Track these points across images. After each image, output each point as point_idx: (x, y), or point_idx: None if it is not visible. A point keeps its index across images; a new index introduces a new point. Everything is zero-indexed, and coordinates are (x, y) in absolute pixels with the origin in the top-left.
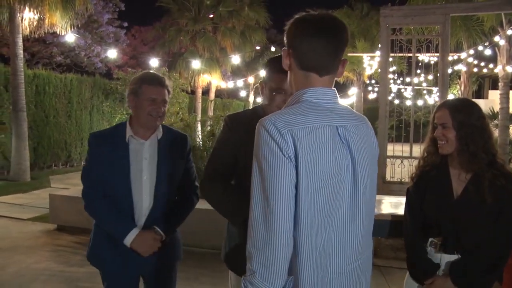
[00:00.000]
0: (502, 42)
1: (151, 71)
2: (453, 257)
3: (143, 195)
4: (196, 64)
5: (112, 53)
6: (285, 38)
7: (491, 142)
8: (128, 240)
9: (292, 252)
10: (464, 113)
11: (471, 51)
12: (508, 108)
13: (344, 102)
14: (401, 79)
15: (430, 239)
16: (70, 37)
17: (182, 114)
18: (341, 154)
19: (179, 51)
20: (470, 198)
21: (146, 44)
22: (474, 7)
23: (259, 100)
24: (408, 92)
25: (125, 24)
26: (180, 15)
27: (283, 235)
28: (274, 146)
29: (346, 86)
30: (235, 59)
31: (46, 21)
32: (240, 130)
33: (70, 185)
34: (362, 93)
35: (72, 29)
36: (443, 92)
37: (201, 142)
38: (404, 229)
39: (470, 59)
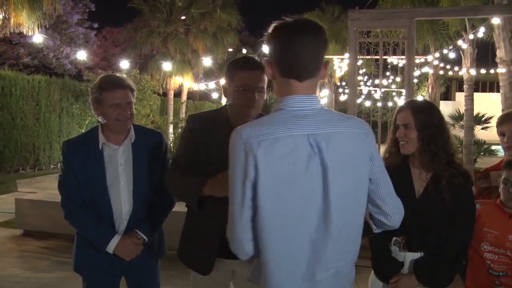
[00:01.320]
0: (465, 46)
1: (109, 74)
2: (417, 255)
3: (122, 201)
4: (167, 66)
5: (81, 55)
6: (266, 48)
7: (450, 142)
8: (110, 247)
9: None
10: (426, 114)
11: (437, 54)
12: (472, 109)
13: None
14: (370, 81)
15: (393, 238)
16: (38, 38)
17: (152, 117)
18: (309, 162)
19: (150, 53)
20: (431, 197)
21: (118, 45)
22: (439, 11)
23: None
24: (378, 94)
25: (96, 25)
26: (152, 17)
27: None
28: (240, 153)
29: (318, 88)
30: (207, 61)
31: (12, 20)
32: (201, 130)
33: (38, 188)
34: (334, 95)
35: (40, 29)
36: (409, 94)
37: (172, 144)
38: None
39: (436, 62)
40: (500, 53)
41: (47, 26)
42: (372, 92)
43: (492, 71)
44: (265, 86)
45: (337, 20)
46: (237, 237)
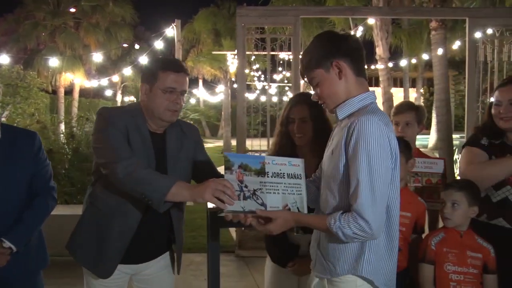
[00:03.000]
0: None
1: None
2: (310, 236)
3: None
4: (54, 62)
5: None
6: (322, 54)
7: None
8: None
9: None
10: (317, 107)
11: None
12: None
13: (212, 99)
14: (263, 76)
15: None
16: None
17: (38, 116)
18: None
19: (37, 47)
20: None
21: None
22: (321, 10)
23: (128, 99)
24: (272, 90)
25: None
26: (37, 8)
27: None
28: (385, 139)
29: (214, 84)
30: (99, 57)
31: None
32: (121, 126)
33: None
34: (230, 90)
35: None
36: (295, 89)
37: (62, 145)
38: None
39: None
40: (379, 51)
41: None
42: (266, 87)
43: (373, 67)
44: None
45: (232, 17)
46: (381, 217)
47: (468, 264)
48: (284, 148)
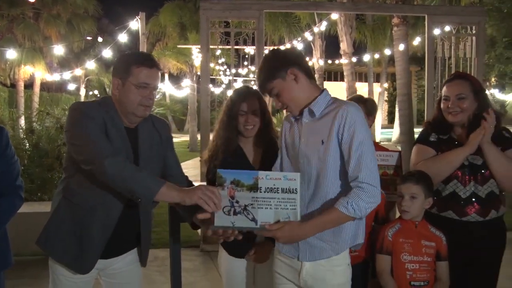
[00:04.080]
0: (310, 38)
1: None
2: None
3: None
4: (12, 54)
5: None
6: (276, 66)
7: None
8: None
9: None
10: (263, 100)
11: (288, 45)
12: None
13: (178, 94)
14: (229, 70)
15: None
16: None
17: None
18: None
19: None
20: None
21: None
22: (285, 5)
23: (91, 94)
24: (238, 84)
25: None
26: None
27: None
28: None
29: (180, 78)
30: (61, 50)
31: None
32: (99, 121)
33: None
34: (195, 85)
35: None
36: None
37: (21, 140)
38: None
39: None
40: (343, 46)
41: None
42: (232, 82)
43: (337, 61)
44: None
45: (198, 10)
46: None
47: (423, 253)
48: (230, 141)
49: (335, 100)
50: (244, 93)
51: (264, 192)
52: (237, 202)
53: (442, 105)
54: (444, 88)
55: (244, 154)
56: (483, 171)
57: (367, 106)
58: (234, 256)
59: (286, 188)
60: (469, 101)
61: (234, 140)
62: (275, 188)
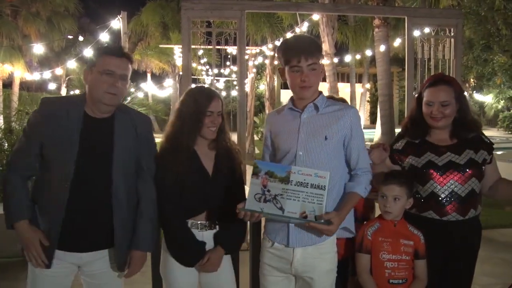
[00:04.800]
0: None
1: None
2: (214, 230)
3: None
4: None
5: None
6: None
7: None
8: None
9: None
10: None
11: (270, 45)
12: None
13: (161, 93)
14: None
15: (190, 221)
16: None
17: None
18: None
19: None
20: (220, 174)
21: None
22: (267, 5)
23: (72, 93)
24: (221, 84)
25: None
26: None
27: None
28: None
29: (162, 78)
30: (40, 49)
31: None
32: (52, 116)
33: None
34: (178, 84)
35: None
36: (241, 84)
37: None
38: (163, 216)
39: (272, 53)
40: (325, 46)
41: None
42: (214, 81)
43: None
44: (129, 76)
45: (180, 10)
46: None
47: (401, 252)
48: (188, 143)
49: (331, 100)
50: (210, 94)
51: (295, 185)
52: (268, 191)
53: (424, 109)
54: (427, 92)
55: (198, 157)
56: (467, 170)
57: None
58: (184, 265)
59: (315, 184)
60: (452, 106)
61: (193, 142)
62: (305, 182)
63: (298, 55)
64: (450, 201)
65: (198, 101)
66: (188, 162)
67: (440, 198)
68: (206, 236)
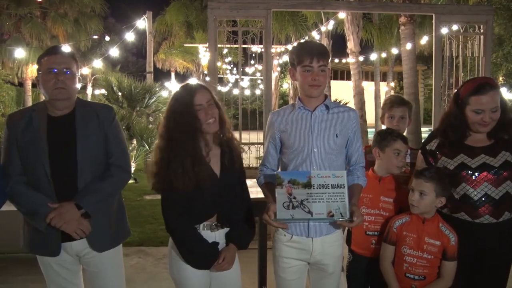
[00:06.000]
0: (317, 37)
1: None
2: (226, 229)
3: None
4: (20, 53)
5: None
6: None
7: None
8: None
9: None
10: (213, 92)
11: (295, 44)
12: (330, 95)
13: None
14: (236, 69)
15: (203, 224)
16: None
17: (3, 109)
18: None
19: (1, 37)
20: (228, 173)
21: None
22: (292, 4)
23: (98, 92)
24: (244, 82)
25: None
26: None
27: None
28: None
29: (187, 77)
30: (67, 48)
31: None
32: (20, 125)
33: None
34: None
35: None
36: (267, 82)
37: None
38: (170, 220)
39: None
40: (350, 45)
41: None
42: (239, 80)
43: (344, 60)
44: (74, 71)
45: (205, 9)
46: None
47: (424, 250)
48: (191, 147)
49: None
50: (191, 88)
51: (317, 188)
52: (294, 198)
53: (471, 116)
54: (475, 100)
55: (206, 162)
56: (502, 172)
57: (410, 108)
58: (198, 268)
59: (335, 184)
60: (499, 110)
61: (196, 144)
62: (325, 184)
63: (311, 56)
64: (483, 203)
65: (181, 100)
66: (196, 176)
67: (472, 201)
68: (218, 235)
